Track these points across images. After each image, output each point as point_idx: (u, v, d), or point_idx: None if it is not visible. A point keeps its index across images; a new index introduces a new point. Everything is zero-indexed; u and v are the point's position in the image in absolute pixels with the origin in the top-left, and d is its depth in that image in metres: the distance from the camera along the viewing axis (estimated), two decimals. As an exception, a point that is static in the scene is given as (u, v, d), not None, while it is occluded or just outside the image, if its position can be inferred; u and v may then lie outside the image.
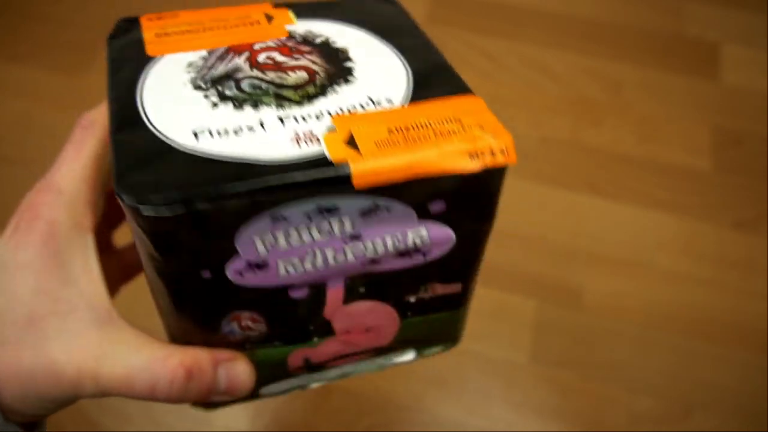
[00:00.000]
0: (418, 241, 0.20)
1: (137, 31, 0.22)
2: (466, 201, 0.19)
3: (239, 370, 0.20)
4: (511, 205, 0.64)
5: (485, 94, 0.71)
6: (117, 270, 0.25)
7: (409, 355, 0.25)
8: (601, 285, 0.59)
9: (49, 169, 0.20)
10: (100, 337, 0.18)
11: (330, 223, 0.18)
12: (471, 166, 0.18)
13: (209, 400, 0.20)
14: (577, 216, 0.63)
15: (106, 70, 0.22)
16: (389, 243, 0.19)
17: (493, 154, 0.18)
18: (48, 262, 0.18)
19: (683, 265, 0.60)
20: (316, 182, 0.17)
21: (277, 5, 0.24)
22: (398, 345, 0.24)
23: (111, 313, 0.19)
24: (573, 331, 0.57)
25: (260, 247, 0.18)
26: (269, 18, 0.23)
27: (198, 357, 0.19)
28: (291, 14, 0.24)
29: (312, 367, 0.24)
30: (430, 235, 0.20)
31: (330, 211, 0.18)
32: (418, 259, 0.20)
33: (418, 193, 0.18)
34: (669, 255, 0.61)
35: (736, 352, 0.56)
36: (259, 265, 0.18)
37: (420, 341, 0.25)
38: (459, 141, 0.18)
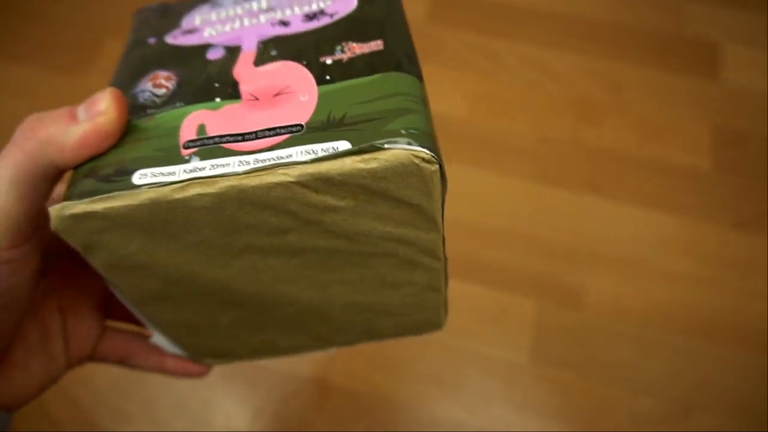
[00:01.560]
0: (322, 4, 0.22)
1: None
2: None
3: (98, 96, 0.18)
4: (511, 205, 0.64)
5: (485, 94, 0.71)
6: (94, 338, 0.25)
7: (340, 147, 0.17)
8: (601, 285, 0.59)
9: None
10: None
11: (250, 2, 0.23)
12: None
13: (77, 129, 0.17)
14: (577, 216, 0.63)
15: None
16: (296, 8, 0.22)
17: None
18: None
19: (683, 265, 0.60)
20: None
21: None
22: (322, 126, 0.18)
23: None
24: (573, 331, 0.57)
25: (197, 20, 0.23)
26: None
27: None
28: None
29: (204, 145, 0.18)
30: None
31: None
32: (324, 20, 0.21)
33: None
34: (669, 255, 0.61)
35: (736, 352, 0.56)
36: (190, 31, 0.22)
37: (353, 125, 0.17)
38: None
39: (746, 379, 0.54)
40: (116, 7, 0.78)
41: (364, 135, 0.17)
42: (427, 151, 0.16)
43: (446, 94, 0.71)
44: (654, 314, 0.58)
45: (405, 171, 0.16)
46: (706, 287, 0.59)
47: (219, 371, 0.54)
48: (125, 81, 0.21)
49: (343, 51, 0.20)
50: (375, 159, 0.16)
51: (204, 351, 0.25)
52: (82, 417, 0.52)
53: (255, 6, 0.23)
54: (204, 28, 0.22)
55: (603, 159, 0.67)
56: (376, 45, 0.20)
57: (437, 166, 0.17)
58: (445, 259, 0.21)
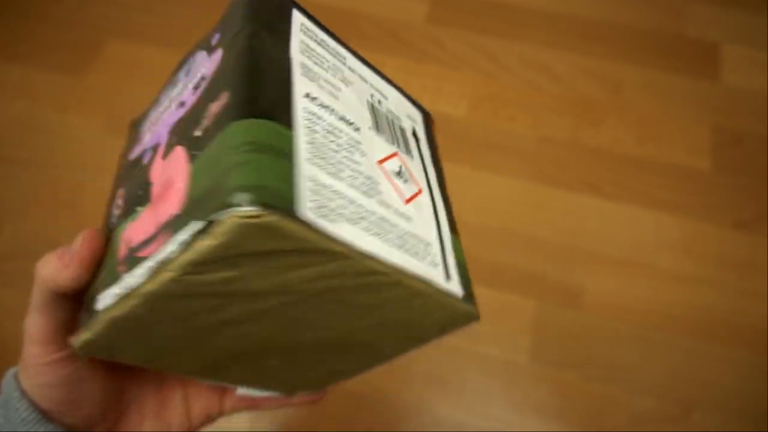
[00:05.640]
0: (204, 71, 0.22)
1: None
2: (227, 24, 0.22)
3: (80, 235, 0.22)
4: (511, 205, 0.64)
5: (485, 94, 0.71)
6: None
7: (192, 227, 0.17)
8: (601, 285, 0.59)
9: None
10: None
11: (176, 87, 0.23)
12: None
13: (65, 268, 0.21)
14: (577, 216, 0.63)
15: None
16: (190, 84, 0.22)
17: None
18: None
19: (683, 265, 0.60)
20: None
21: None
22: (189, 210, 0.17)
23: None
24: (573, 331, 0.57)
25: (145, 127, 0.23)
26: None
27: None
28: None
29: (131, 260, 0.19)
30: (212, 60, 0.22)
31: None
32: (202, 86, 0.21)
33: (207, 36, 0.23)
34: (669, 255, 0.61)
35: (737, 352, 0.56)
36: (139, 140, 0.23)
37: (201, 201, 0.17)
38: None
39: (746, 379, 0.54)
40: (116, 7, 0.78)
41: (208, 208, 0.16)
42: (255, 209, 0.15)
43: (446, 94, 0.71)
44: (654, 314, 0.58)
45: (251, 232, 0.16)
46: (706, 287, 0.59)
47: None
48: (108, 206, 0.23)
49: (205, 117, 0.19)
50: (221, 233, 0.16)
51: (292, 387, 0.27)
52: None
53: (175, 91, 0.23)
54: (146, 134, 0.23)
55: (603, 159, 0.67)
56: (225, 97, 0.19)
57: (275, 216, 0.16)
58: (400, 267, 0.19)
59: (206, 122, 0.19)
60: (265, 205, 0.15)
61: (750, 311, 0.58)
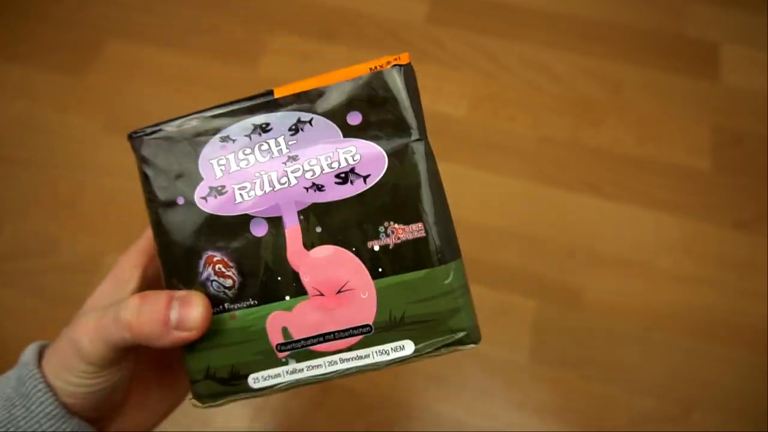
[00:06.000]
0: (350, 159, 0.22)
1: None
2: (377, 109, 0.22)
3: (192, 300, 0.22)
4: (511, 205, 0.64)
5: (485, 94, 0.71)
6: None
7: (406, 349, 0.23)
8: (601, 285, 0.59)
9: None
10: (105, 308, 0.23)
11: (268, 143, 0.22)
12: (367, 72, 0.22)
13: (170, 336, 0.22)
14: (577, 216, 0.63)
15: None
16: (324, 161, 0.22)
17: (388, 63, 0.22)
18: (108, 284, 0.26)
19: (683, 265, 0.60)
20: (247, 99, 0.22)
21: None
22: (388, 327, 0.22)
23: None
24: (573, 331, 0.57)
25: (217, 170, 0.22)
26: None
27: (156, 292, 0.23)
28: None
29: (295, 348, 0.23)
30: (361, 152, 0.22)
31: (264, 130, 0.22)
32: (359, 185, 0.22)
33: (331, 103, 0.22)
34: (669, 255, 0.61)
35: (737, 352, 0.56)
36: (219, 190, 0.22)
37: (412, 324, 0.23)
38: (364, 64, 0.22)
39: (746, 379, 0.54)
40: (116, 7, 0.78)
41: (424, 335, 0.22)
42: (472, 346, 0.23)
43: (446, 94, 0.71)
44: (654, 314, 0.58)
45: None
46: (706, 287, 0.59)
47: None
48: (179, 259, 0.23)
49: (387, 234, 0.22)
50: (433, 359, 0.23)
51: None
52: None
53: (275, 149, 0.22)
54: (231, 186, 0.22)
55: (603, 159, 0.67)
56: (418, 230, 0.22)
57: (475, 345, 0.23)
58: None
59: (391, 242, 0.22)
60: (476, 341, 0.23)
61: (750, 311, 0.58)
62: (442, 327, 0.23)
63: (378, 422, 0.52)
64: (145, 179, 0.23)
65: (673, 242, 0.62)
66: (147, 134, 0.23)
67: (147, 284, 0.26)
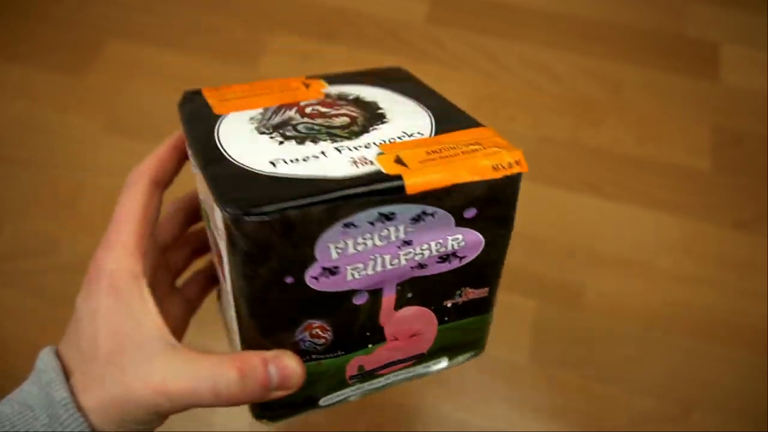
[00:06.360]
0: (455, 245, 0.23)
1: (201, 98, 0.27)
2: (492, 207, 0.23)
3: (287, 362, 0.22)
4: (511, 205, 0.64)
5: (485, 94, 0.71)
6: (182, 305, 0.31)
7: (442, 363, 0.28)
8: (601, 285, 0.59)
9: (107, 227, 0.24)
10: (165, 361, 0.22)
11: (388, 230, 0.22)
12: (494, 174, 0.22)
13: (269, 397, 0.23)
14: (577, 216, 0.63)
15: (182, 126, 0.25)
16: (434, 247, 0.23)
17: (510, 165, 0.22)
18: (112, 306, 0.22)
19: (683, 265, 0.60)
20: (379, 192, 0.20)
21: (308, 77, 0.30)
22: (434, 352, 0.27)
23: (170, 340, 0.22)
24: (573, 331, 0.57)
25: (333, 253, 0.21)
26: (306, 85, 0.29)
27: (248, 357, 0.22)
28: (323, 82, 0.29)
29: (364, 376, 0.26)
30: (466, 240, 0.23)
31: (389, 218, 0.21)
32: (455, 263, 0.24)
33: (456, 200, 0.22)
34: (669, 255, 0.61)
35: (737, 352, 0.56)
36: (332, 271, 0.22)
37: (452, 348, 0.28)
38: (482, 157, 0.22)
39: (746, 379, 0.54)
40: (116, 7, 0.78)
41: (456, 354, 0.28)
42: (481, 353, 0.29)
43: (446, 94, 0.71)
44: (654, 314, 0.58)
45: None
46: (706, 287, 0.59)
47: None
48: (278, 327, 0.23)
49: (460, 296, 0.26)
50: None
51: None
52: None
53: (393, 235, 0.22)
54: (345, 268, 0.22)
55: (603, 159, 0.67)
56: (483, 292, 0.26)
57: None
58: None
59: (461, 300, 0.26)
60: (479, 353, 0.29)
61: (750, 311, 0.58)
62: (470, 347, 0.28)
63: (378, 422, 0.52)
64: (249, 258, 0.20)
65: (673, 242, 0.62)
66: (266, 213, 0.19)
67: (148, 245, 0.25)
